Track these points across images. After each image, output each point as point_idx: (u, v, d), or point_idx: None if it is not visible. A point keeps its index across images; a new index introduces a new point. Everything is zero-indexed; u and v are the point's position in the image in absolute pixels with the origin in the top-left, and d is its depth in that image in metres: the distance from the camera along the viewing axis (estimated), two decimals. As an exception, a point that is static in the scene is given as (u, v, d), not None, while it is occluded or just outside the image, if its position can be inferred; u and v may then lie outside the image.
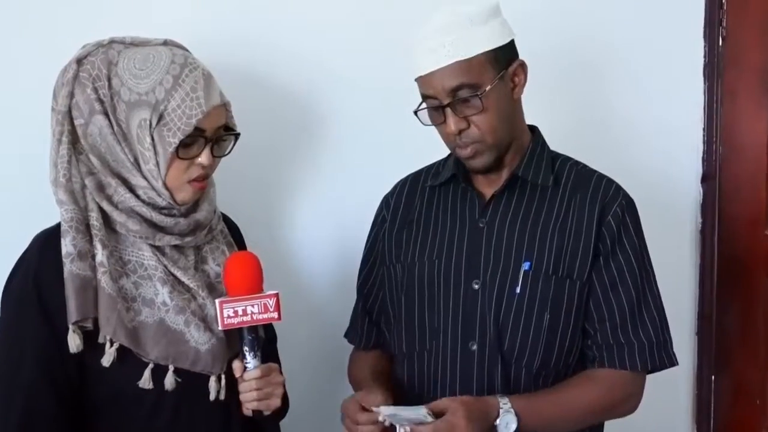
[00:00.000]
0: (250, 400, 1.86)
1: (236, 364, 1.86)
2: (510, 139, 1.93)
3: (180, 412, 1.83)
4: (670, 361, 1.97)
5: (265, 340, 1.97)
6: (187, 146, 1.81)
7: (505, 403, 1.84)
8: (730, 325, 2.61)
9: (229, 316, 1.81)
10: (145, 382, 1.79)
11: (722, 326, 2.61)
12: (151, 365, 1.79)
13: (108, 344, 1.76)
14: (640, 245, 1.96)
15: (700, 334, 2.63)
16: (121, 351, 1.77)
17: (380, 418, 1.81)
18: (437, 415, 1.78)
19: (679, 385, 2.60)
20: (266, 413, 1.89)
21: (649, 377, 1.99)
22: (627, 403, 1.97)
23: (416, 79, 1.92)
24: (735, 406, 2.64)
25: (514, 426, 1.83)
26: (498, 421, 1.82)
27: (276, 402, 1.88)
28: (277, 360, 2.05)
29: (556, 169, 1.98)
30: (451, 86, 1.85)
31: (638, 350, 1.93)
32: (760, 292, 2.58)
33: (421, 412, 1.78)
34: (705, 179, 2.58)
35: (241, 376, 1.86)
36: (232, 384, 1.87)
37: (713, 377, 2.62)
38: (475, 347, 1.92)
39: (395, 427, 1.80)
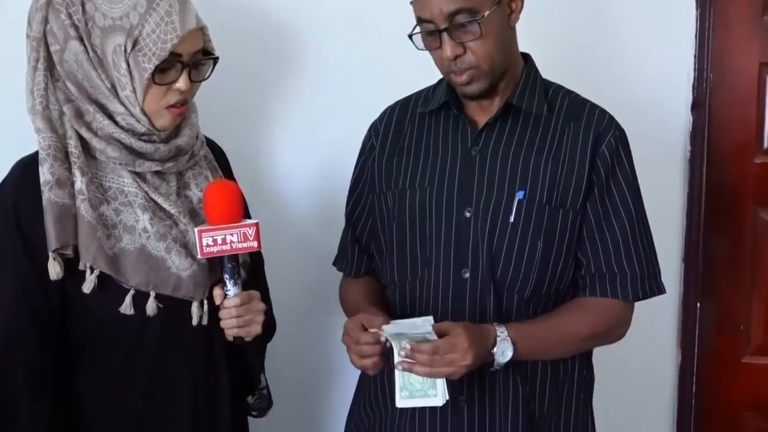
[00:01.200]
0: (230, 327, 1.84)
1: (217, 292, 1.84)
2: (505, 66, 1.89)
3: (164, 338, 1.82)
4: (659, 289, 1.96)
5: (250, 265, 1.95)
6: (163, 71, 1.76)
7: (501, 332, 1.85)
8: (717, 253, 2.60)
9: (208, 245, 1.78)
10: (126, 308, 1.77)
11: (709, 254, 2.59)
12: (132, 291, 1.77)
13: (88, 271, 1.74)
14: (633, 176, 1.94)
15: (686, 262, 2.61)
16: (102, 278, 1.76)
17: (382, 339, 1.81)
18: (439, 336, 1.79)
19: (664, 312, 2.58)
20: (247, 339, 1.87)
21: (636, 304, 1.99)
22: (616, 330, 1.98)
23: (412, 2, 1.87)
24: (719, 332, 2.63)
25: (510, 354, 1.84)
26: (495, 349, 1.83)
27: (256, 329, 1.86)
28: (264, 285, 2.03)
29: (549, 97, 1.94)
30: (449, 10, 1.80)
31: (630, 280, 1.92)
32: (747, 220, 2.57)
33: (426, 328, 1.77)
34: (695, 107, 2.54)
35: (222, 303, 1.84)
36: (215, 309, 1.85)
37: (699, 304, 2.61)
38: (467, 275, 1.91)
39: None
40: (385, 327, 1.80)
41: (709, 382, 2.63)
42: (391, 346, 1.83)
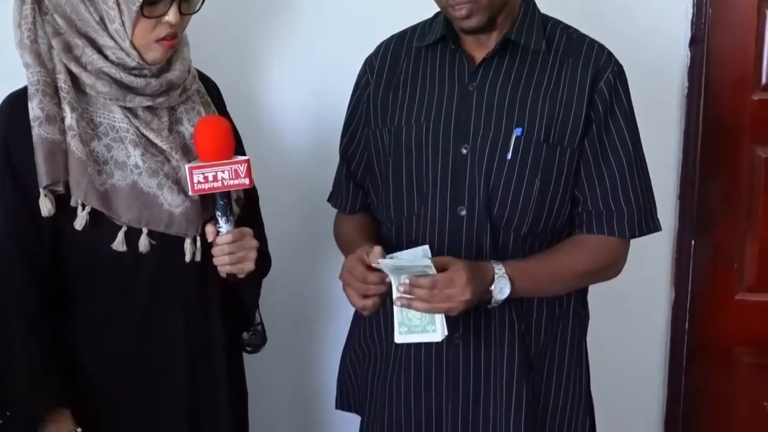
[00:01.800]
0: (222, 264, 1.83)
1: (209, 229, 1.83)
2: (504, 0, 1.86)
3: (157, 275, 1.81)
4: (655, 226, 1.96)
5: (244, 201, 1.94)
6: (152, 4, 1.72)
7: (499, 269, 1.84)
8: (712, 190, 2.58)
9: (199, 182, 1.76)
10: (119, 244, 1.76)
11: (705, 191, 2.58)
12: (124, 228, 1.76)
13: (80, 208, 1.73)
14: (631, 112, 1.93)
15: (682, 199, 2.59)
16: (94, 215, 1.74)
17: (384, 271, 1.80)
18: (438, 270, 1.78)
19: (659, 249, 2.58)
20: (240, 276, 1.86)
21: (631, 241, 1.98)
22: (612, 267, 1.98)
23: None
24: (713, 269, 2.62)
25: (507, 291, 1.84)
26: (493, 286, 1.83)
27: (249, 266, 1.85)
28: (258, 221, 2.02)
29: (547, 32, 1.91)
30: None
31: (626, 217, 1.92)
32: (744, 157, 2.55)
33: (425, 262, 1.76)
34: (693, 42, 2.51)
35: (214, 240, 1.83)
36: (208, 246, 1.84)
37: (693, 241, 2.60)
38: (464, 212, 1.90)
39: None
40: (381, 261, 1.78)
41: (702, 318, 2.64)
42: (389, 282, 1.82)
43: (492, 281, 1.83)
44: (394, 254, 1.83)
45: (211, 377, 1.90)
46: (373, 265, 1.82)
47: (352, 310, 2.05)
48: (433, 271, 1.77)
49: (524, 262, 1.89)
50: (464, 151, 1.89)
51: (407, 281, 1.77)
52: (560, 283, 1.93)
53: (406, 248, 1.93)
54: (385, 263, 1.77)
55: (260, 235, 1.97)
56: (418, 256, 1.79)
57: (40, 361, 1.73)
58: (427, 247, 1.82)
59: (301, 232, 2.41)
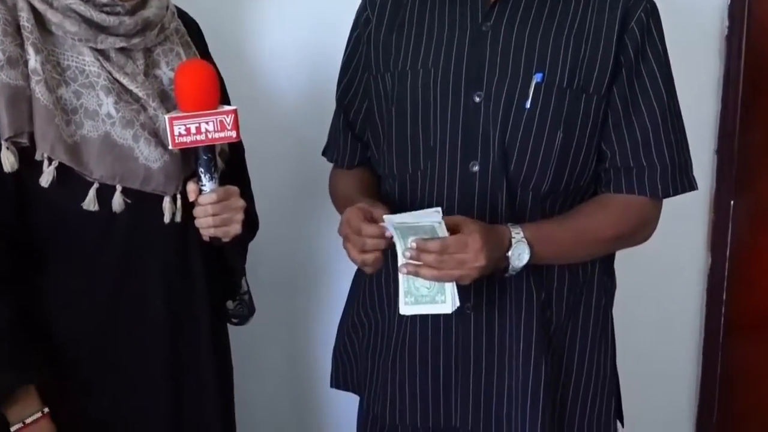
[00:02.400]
0: (205, 226, 1.85)
1: (190, 186, 1.84)
2: None
3: (132, 238, 1.82)
4: (690, 185, 1.96)
5: (228, 155, 1.95)
6: None
7: (517, 233, 1.85)
8: (753, 143, 2.60)
9: (180, 134, 1.77)
10: (90, 203, 1.76)
11: (745, 145, 2.60)
12: (96, 185, 1.76)
13: (46, 162, 1.72)
14: (665, 56, 1.92)
15: (720, 154, 2.61)
16: (62, 170, 1.74)
17: (387, 234, 1.81)
18: (449, 230, 1.79)
19: (694, 210, 2.62)
20: (225, 240, 1.88)
21: (663, 201, 1.99)
22: (642, 230, 1.98)
23: None
24: (754, 231, 2.65)
25: (526, 257, 1.84)
26: (510, 252, 1.84)
27: (235, 228, 1.87)
28: (244, 178, 2.03)
29: None
30: None
31: (659, 174, 1.92)
32: None
33: (435, 217, 1.75)
34: None
35: (197, 199, 1.84)
36: (190, 206, 1.86)
37: (732, 201, 2.63)
38: (476, 168, 1.90)
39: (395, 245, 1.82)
40: (386, 217, 1.78)
41: (741, 286, 2.66)
42: (393, 242, 1.82)
43: (509, 246, 1.83)
44: (404, 214, 1.82)
45: (194, 351, 1.91)
46: (378, 222, 1.83)
47: (351, 274, 2.07)
48: (443, 231, 1.77)
49: (545, 225, 1.89)
50: (477, 100, 1.88)
51: (414, 245, 1.76)
52: (584, 248, 1.93)
53: (411, 209, 1.92)
54: (390, 219, 1.77)
55: (247, 193, 1.97)
56: (430, 216, 1.78)
57: (9, 329, 1.72)
58: (439, 209, 1.81)
59: (292, 189, 2.42)
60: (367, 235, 1.83)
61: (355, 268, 2.07)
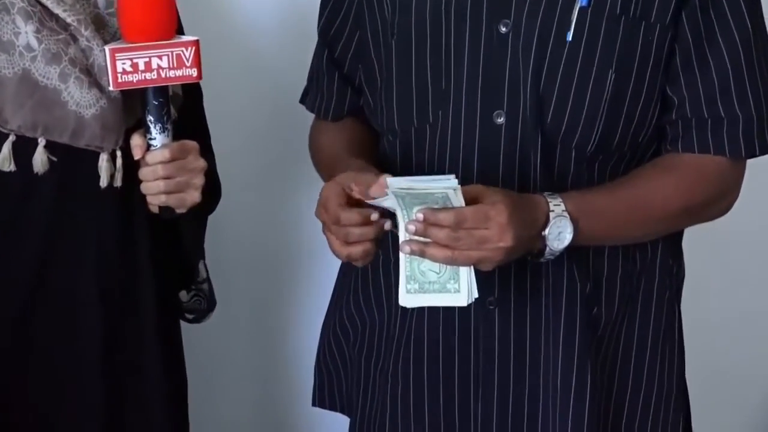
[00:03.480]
0: (155, 192, 1.85)
1: (136, 140, 1.83)
2: None
3: (59, 207, 1.83)
4: None
5: (183, 102, 1.94)
6: None
7: (556, 205, 1.83)
8: None
9: (125, 71, 1.76)
10: (5, 161, 1.77)
11: None
12: (11, 138, 1.77)
13: None
14: None
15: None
16: None
17: (384, 203, 1.79)
18: (467, 202, 1.77)
19: None
20: (180, 211, 1.88)
21: (746, 164, 1.98)
22: (719, 201, 1.98)
23: None
24: None
25: (568, 237, 1.83)
26: (548, 230, 1.82)
27: (193, 196, 1.86)
28: (203, 132, 2.04)
29: None
30: None
31: (742, 126, 1.90)
32: None
33: (449, 183, 1.74)
34: None
35: (143, 157, 1.83)
36: (134, 166, 1.86)
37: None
38: (502, 120, 1.89)
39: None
40: (390, 180, 1.76)
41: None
42: (392, 224, 1.81)
43: (546, 223, 1.81)
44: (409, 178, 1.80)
45: (136, 355, 1.93)
46: (367, 200, 1.81)
47: (339, 262, 2.08)
48: (459, 201, 1.74)
49: (592, 195, 1.87)
50: (503, 30, 1.87)
51: (420, 216, 1.74)
52: (643, 225, 1.92)
53: (416, 172, 1.94)
54: (392, 184, 1.74)
55: (206, 152, 1.97)
56: (443, 181, 1.77)
57: None
58: (453, 176, 1.80)
59: (264, 148, 2.44)
60: (348, 224, 1.82)
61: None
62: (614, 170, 1.94)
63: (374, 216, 1.80)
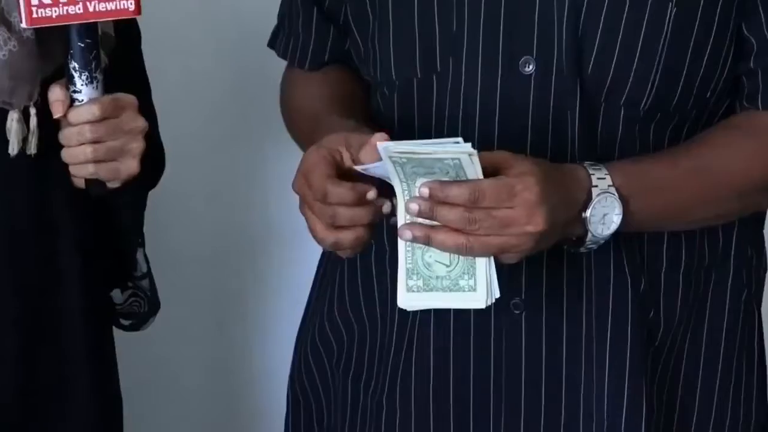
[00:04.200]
0: (81, 160, 1.83)
1: (56, 94, 1.82)
2: None
3: None
4: None
5: (115, 43, 1.94)
6: None
7: (601, 178, 1.79)
8: None
9: (42, 4, 1.76)
10: None
11: None
12: None
13: None
14: None
15: None
16: None
17: (376, 172, 1.76)
18: (486, 174, 1.71)
19: None
20: (113, 185, 1.85)
21: None
22: None
23: None
24: None
25: (617, 219, 1.80)
26: (590, 211, 1.78)
27: (130, 166, 1.85)
28: (142, 84, 2.06)
29: None
30: None
31: None
32: None
33: (461, 148, 1.69)
34: None
35: (66, 115, 1.81)
36: (54, 127, 1.84)
37: None
38: (531, 69, 1.87)
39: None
40: (384, 144, 1.72)
41: None
42: (391, 199, 1.76)
43: (587, 201, 1.78)
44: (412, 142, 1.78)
45: (56, 376, 1.92)
46: (356, 167, 1.78)
47: (318, 254, 2.07)
48: (476, 170, 1.70)
49: (647, 166, 1.85)
50: None
51: (425, 190, 1.70)
52: (715, 204, 1.90)
53: (419, 136, 1.91)
54: (387, 148, 1.70)
55: (147, 109, 1.96)
56: (455, 146, 1.74)
57: None
58: (460, 139, 1.78)
59: (220, 106, 2.52)
60: (337, 202, 1.77)
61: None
62: (675, 134, 1.92)
63: (371, 194, 1.75)
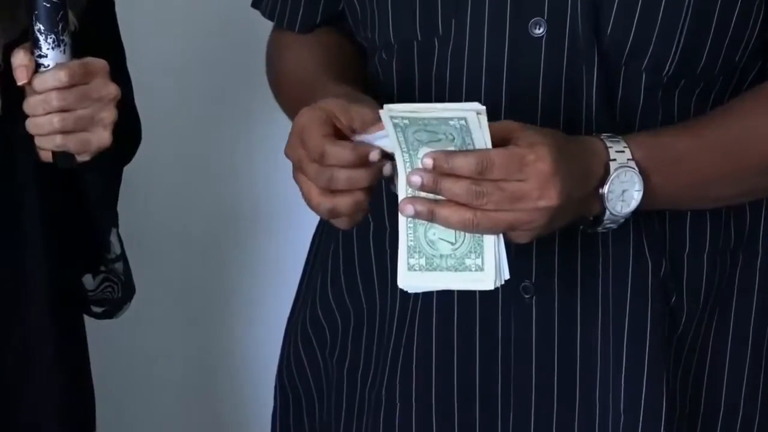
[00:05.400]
0: (47, 131, 1.85)
1: (20, 58, 1.84)
2: None
3: None
4: None
5: (85, 6, 1.96)
6: None
7: (620, 151, 1.80)
8: None
9: None
10: None
11: None
12: None
13: None
14: None
15: None
16: None
17: (377, 142, 1.77)
18: (495, 144, 1.72)
19: None
20: (83, 159, 1.87)
21: None
22: None
23: None
24: None
25: (637, 196, 1.81)
26: (607, 187, 1.80)
27: (101, 137, 1.87)
28: (116, 49, 2.09)
29: None
30: None
31: None
32: None
33: (466, 112, 1.69)
34: None
35: (30, 82, 1.84)
36: (17, 94, 1.87)
37: None
38: (541, 31, 1.89)
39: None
40: (386, 106, 1.73)
41: None
42: (390, 167, 1.77)
43: (605, 176, 1.79)
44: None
45: (21, 364, 1.95)
46: (354, 137, 1.79)
47: (311, 231, 2.08)
48: (485, 138, 1.72)
49: (670, 137, 1.87)
50: None
51: (429, 161, 1.71)
52: (743, 179, 1.92)
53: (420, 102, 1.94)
54: (388, 108, 1.72)
55: (121, 75, 2.01)
56: (459, 109, 1.74)
57: None
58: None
59: (200, 71, 2.54)
60: (336, 163, 1.78)
61: (315, 217, 2.04)
62: (701, 102, 1.94)
63: (374, 155, 1.76)
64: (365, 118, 1.79)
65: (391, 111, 1.70)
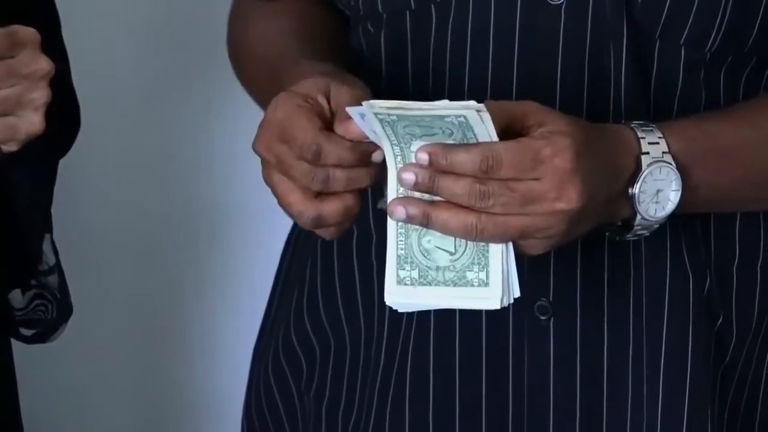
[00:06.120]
0: None
1: None
2: None
3: None
4: None
5: None
6: None
7: (654, 143, 1.74)
8: None
9: None
10: None
11: None
12: None
13: None
14: None
15: None
16: None
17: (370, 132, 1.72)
18: (502, 132, 1.64)
19: None
20: (9, 148, 1.78)
21: None
22: None
23: None
24: None
25: (675, 197, 1.76)
26: (639, 186, 1.73)
27: (32, 123, 1.75)
28: (46, 15, 2.04)
29: None
30: None
31: None
32: None
33: (466, 104, 1.61)
34: None
35: None
36: None
37: None
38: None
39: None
40: (370, 102, 1.67)
41: None
42: (381, 154, 1.71)
43: (636, 172, 1.73)
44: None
45: None
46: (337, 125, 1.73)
47: (279, 239, 2.04)
48: (488, 131, 1.65)
49: (714, 126, 1.81)
50: None
51: (424, 155, 1.64)
52: None
53: (413, 90, 1.91)
54: (373, 104, 1.65)
55: (55, 49, 1.93)
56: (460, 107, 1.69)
57: None
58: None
59: (151, 45, 2.58)
60: (337, 162, 1.72)
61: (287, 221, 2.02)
62: (750, 84, 1.89)
63: (377, 156, 1.70)
64: (348, 94, 1.74)
65: (374, 107, 1.64)
